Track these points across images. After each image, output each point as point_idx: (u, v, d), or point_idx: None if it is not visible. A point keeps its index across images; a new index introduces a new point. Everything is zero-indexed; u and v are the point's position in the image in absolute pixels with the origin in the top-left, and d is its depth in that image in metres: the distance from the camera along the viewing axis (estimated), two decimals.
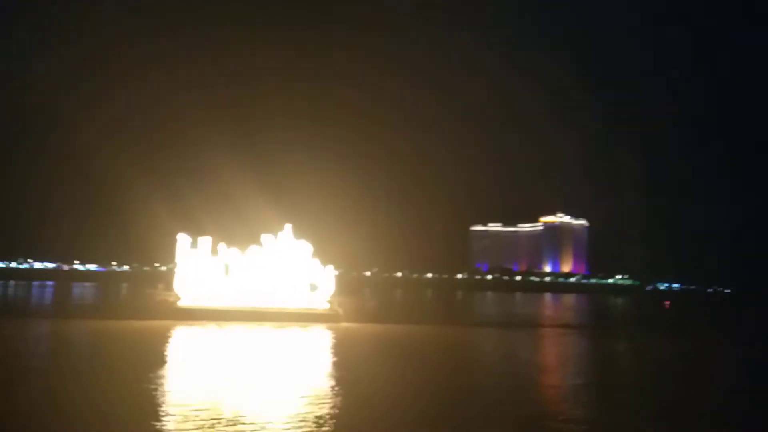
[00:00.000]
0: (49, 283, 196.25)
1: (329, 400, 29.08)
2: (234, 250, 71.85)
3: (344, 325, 67.79)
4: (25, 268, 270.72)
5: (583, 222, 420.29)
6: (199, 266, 69.99)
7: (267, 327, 62.48)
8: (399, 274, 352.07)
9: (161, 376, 33.95)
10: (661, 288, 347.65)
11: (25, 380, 31.66)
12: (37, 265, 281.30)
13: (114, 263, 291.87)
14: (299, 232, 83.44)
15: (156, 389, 30.08)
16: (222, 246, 71.90)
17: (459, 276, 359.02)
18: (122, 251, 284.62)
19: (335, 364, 42.88)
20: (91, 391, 29.27)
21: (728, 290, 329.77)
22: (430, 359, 46.89)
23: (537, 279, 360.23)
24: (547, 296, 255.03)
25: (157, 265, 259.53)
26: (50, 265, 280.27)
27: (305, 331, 61.63)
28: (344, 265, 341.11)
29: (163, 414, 25.03)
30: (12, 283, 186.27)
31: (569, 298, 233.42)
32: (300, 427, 23.66)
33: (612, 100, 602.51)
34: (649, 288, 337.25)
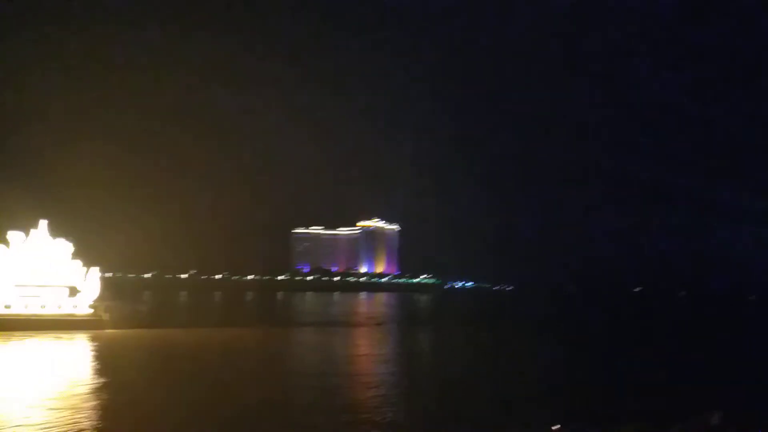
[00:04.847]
0: None
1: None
2: None
3: (109, 331, 62.91)
4: None
5: (395, 227, 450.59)
6: None
7: (11, 338, 55.01)
8: (219, 276, 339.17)
9: None
10: (457, 286, 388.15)
11: None
12: None
13: None
14: (77, 229, 76.40)
15: None
16: None
17: (281, 277, 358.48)
18: None
19: (96, 372, 39.95)
20: None
21: (510, 287, 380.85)
22: (193, 363, 45.54)
23: (354, 279, 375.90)
24: (362, 295, 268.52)
25: None
26: None
27: (55, 341, 55.05)
28: (158, 266, 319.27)
29: None
30: None
31: (380, 297, 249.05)
32: None
33: (425, 112, 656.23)
34: (447, 286, 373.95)
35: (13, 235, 66.32)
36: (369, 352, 58.25)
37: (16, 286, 64.45)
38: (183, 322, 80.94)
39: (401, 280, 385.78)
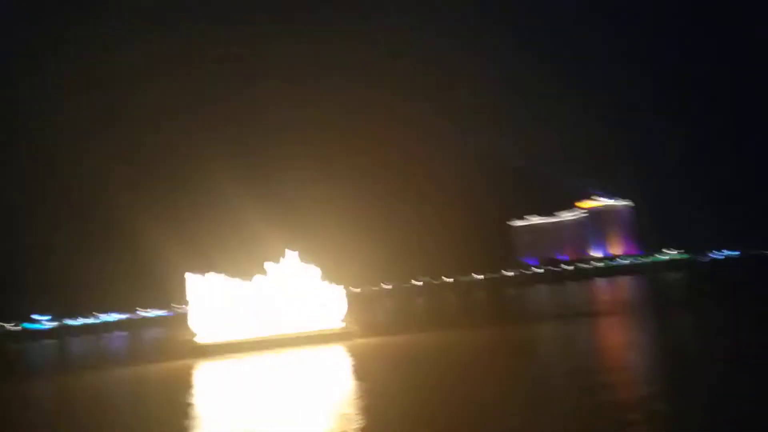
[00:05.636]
0: (121, 333, 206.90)
1: (366, 414, 30.37)
2: (241, 281, 75.28)
3: (359, 341, 69.74)
4: (94, 323, 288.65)
5: (626, 202, 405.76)
6: (210, 302, 73.87)
7: (285, 353, 64.93)
8: (449, 279, 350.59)
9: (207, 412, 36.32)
10: (717, 257, 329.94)
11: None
12: (104, 316, 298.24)
13: (176, 306, 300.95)
14: (320, 253, 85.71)
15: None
16: (229, 279, 75.47)
17: (508, 273, 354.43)
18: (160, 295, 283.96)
19: (358, 378, 45.08)
20: None
21: None
22: (450, 366, 46.64)
23: (588, 266, 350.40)
24: (600, 281, 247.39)
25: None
26: (117, 316, 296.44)
27: (323, 350, 63.95)
28: (393, 277, 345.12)
29: None
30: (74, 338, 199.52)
31: (622, 281, 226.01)
32: None
33: (639, 71, 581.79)
34: (703, 259, 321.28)
35: (268, 265, 76.94)
36: (622, 342, 51.30)
37: (277, 309, 73.93)
38: (425, 327, 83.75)
39: (644, 260, 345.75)
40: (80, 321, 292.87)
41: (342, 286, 78.19)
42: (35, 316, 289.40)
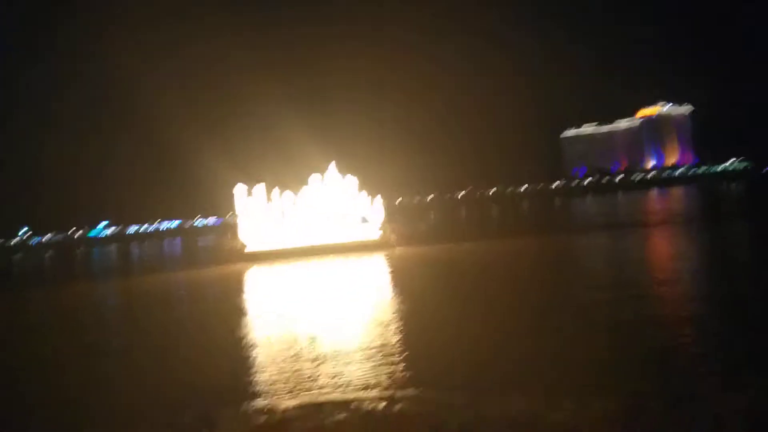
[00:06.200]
0: (178, 240, 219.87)
1: (403, 314, 32.15)
2: (287, 193, 77.69)
3: (397, 250, 71.75)
4: (154, 230, 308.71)
5: (685, 108, 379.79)
6: (258, 213, 77.29)
7: (328, 260, 67.58)
8: (493, 189, 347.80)
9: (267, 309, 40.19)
10: None
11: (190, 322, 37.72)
12: (164, 224, 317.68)
13: (231, 215, 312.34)
14: (362, 164, 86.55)
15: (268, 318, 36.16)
16: (275, 191, 78.09)
17: (555, 184, 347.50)
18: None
19: (394, 283, 47.27)
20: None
21: None
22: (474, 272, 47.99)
23: (640, 176, 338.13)
24: (653, 192, 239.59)
25: None
26: (175, 224, 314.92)
27: (361, 259, 66.22)
28: (437, 187, 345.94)
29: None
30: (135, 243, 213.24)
31: (677, 191, 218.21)
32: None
33: None
34: (762, 170, 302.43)
35: (312, 177, 78.37)
36: (670, 254, 49.95)
37: (319, 220, 76.51)
38: (464, 236, 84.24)
39: (701, 170, 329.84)
40: (141, 228, 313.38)
41: (380, 196, 79.19)
42: (102, 224, 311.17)
